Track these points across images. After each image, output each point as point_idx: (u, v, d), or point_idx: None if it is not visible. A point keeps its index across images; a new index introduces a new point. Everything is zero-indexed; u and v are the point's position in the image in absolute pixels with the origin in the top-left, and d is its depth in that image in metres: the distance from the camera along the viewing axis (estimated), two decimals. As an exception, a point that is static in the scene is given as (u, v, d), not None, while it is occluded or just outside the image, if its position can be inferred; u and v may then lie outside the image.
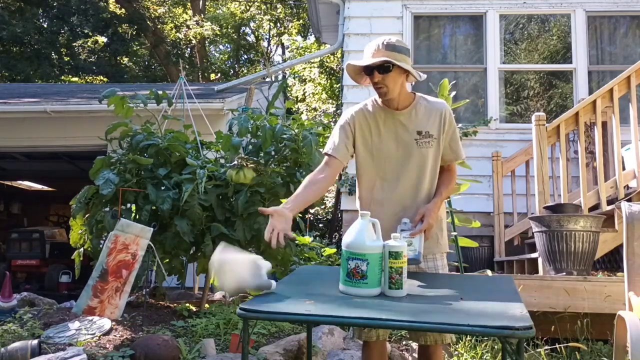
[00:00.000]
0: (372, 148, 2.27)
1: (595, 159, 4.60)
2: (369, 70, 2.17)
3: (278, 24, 18.42)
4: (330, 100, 13.01)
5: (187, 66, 17.13)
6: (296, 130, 4.03)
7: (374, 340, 2.28)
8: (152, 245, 3.58)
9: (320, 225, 11.07)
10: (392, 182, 2.25)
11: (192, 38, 17.13)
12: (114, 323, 3.62)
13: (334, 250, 5.12)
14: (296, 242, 4.71)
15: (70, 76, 17.21)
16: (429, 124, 2.24)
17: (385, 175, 2.26)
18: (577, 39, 6.16)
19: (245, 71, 19.38)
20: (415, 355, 3.51)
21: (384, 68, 2.12)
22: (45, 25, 17.17)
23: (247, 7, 18.28)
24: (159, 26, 18.06)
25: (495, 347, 3.43)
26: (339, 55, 10.89)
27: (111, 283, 3.36)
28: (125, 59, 18.56)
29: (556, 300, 3.56)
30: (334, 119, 11.74)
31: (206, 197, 3.83)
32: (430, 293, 1.92)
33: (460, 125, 5.75)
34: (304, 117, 11.86)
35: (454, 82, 4.20)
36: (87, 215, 4.10)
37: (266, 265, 1.85)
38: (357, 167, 2.34)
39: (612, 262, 4.68)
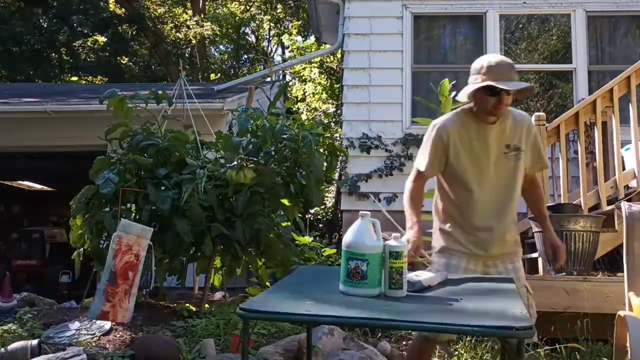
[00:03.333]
0: (464, 162, 2.31)
1: (595, 159, 4.59)
2: (499, 92, 2.19)
3: (278, 24, 18.41)
4: (330, 100, 13.00)
5: (187, 66, 17.12)
6: (296, 130, 4.03)
7: (439, 341, 2.43)
8: (152, 245, 3.58)
9: (320, 225, 11.07)
10: (482, 195, 2.31)
11: (192, 38, 17.12)
12: (114, 323, 3.61)
13: (334, 250, 5.12)
14: (296, 242, 4.71)
15: (70, 76, 17.21)
16: (516, 137, 2.31)
17: (475, 188, 2.31)
18: (577, 39, 6.15)
19: (246, 71, 19.38)
20: (415, 355, 3.51)
21: (518, 92, 2.24)
22: (45, 25, 17.16)
23: (247, 7, 18.26)
24: (159, 26, 18.05)
25: (496, 347, 3.43)
26: (339, 55, 10.88)
27: (121, 286, 3.35)
28: (125, 59, 18.54)
29: (556, 300, 3.55)
30: (334, 119, 11.74)
31: (206, 197, 3.83)
32: (430, 293, 1.92)
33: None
34: (304, 117, 11.85)
35: (454, 82, 4.19)
36: (87, 216, 4.09)
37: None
38: (444, 179, 2.41)
39: (612, 262, 4.67)
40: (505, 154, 2.29)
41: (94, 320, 3.61)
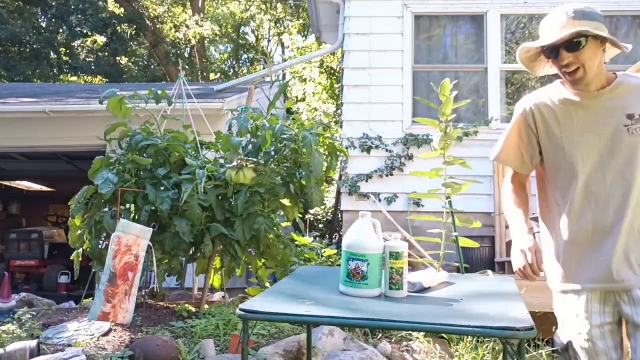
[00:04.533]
0: (564, 145, 1.80)
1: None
2: (553, 51, 1.75)
3: (278, 24, 18.40)
4: (331, 100, 12.99)
5: (186, 66, 17.13)
6: (296, 130, 4.02)
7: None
8: (151, 245, 3.57)
9: (320, 225, 11.06)
10: (594, 185, 1.76)
11: (191, 38, 17.12)
12: (112, 324, 3.60)
13: (334, 250, 5.11)
14: (296, 243, 4.69)
15: (69, 76, 17.19)
16: None
17: (585, 177, 1.77)
18: (577, 38, 6.14)
19: (245, 71, 19.38)
20: (416, 355, 3.50)
21: (574, 44, 1.70)
22: (44, 25, 17.15)
23: (247, 7, 18.26)
24: (158, 26, 18.04)
25: (497, 348, 3.42)
26: (339, 55, 10.87)
27: (121, 287, 3.34)
28: (124, 59, 18.54)
29: (557, 300, 3.53)
30: (334, 119, 11.74)
31: (205, 197, 3.82)
32: (430, 294, 1.91)
33: (460, 125, 5.74)
34: (304, 117, 11.84)
35: (455, 81, 4.18)
36: (86, 216, 4.08)
37: None
38: (543, 171, 1.93)
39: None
40: (626, 128, 1.73)
41: (92, 321, 3.59)
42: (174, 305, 4.31)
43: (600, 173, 1.75)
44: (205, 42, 18.50)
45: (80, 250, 4.15)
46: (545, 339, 3.52)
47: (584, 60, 1.71)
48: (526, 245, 1.76)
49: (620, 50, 1.77)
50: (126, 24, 17.31)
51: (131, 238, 3.42)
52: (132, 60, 19.11)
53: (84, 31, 16.84)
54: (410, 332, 3.61)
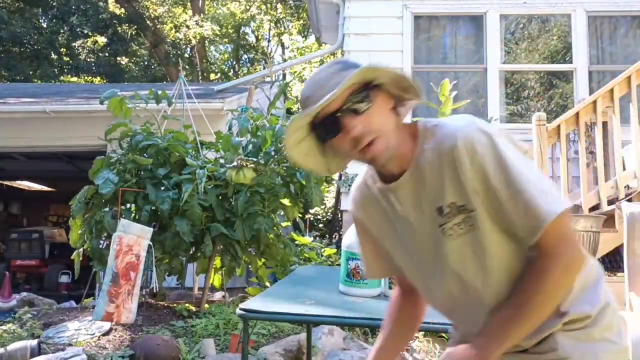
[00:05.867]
0: (395, 251, 1.29)
1: (595, 159, 4.59)
2: (324, 130, 1.12)
3: (278, 24, 18.41)
4: (330, 101, 12.99)
5: (186, 66, 17.13)
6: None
7: None
8: (152, 245, 3.58)
9: (320, 225, 11.07)
10: (440, 304, 1.30)
11: (191, 38, 17.12)
12: (113, 323, 3.61)
13: (334, 250, 5.11)
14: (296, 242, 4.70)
15: (69, 76, 17.20)
16: (448, 185, 1.10)
17: (426, 294, 1.31)
18: (577, 39, 6.15)
19: (246, 71, 19.38)
20: (415, 355, 3.51)
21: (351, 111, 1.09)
22: (44, 26, 17.17)
23: (247, 7, 18.27)
24: (158, 26, 18.05)
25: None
26: (339, 55, 10.88)
27: (123, 286, 3.35)
28: (125, 59, 18.55)
29: (556, 300, 3.54)
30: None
31: (206, 197, 3.83)
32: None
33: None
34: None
35: (454, 82, 4.19)
36: (86, 216, 4.09)
37: None
38: None
39: (612, 262, 4.67)
40: (441, 228, 1.13)
41: (93, 320, 3.60)
42: (175, 304, 4.32)
43: (436, 291, 1.26)
44: (206, 42, 18.51)
45: (81, 250, 4.16)
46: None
47: (372, 129, 1.10)
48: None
49: (417, 99, 1.17)
50: (127, 25, 17.32)
51: (132, 238, 3.43)
52: (133, 60, 19.11)
53: (85, 31, 16.86)
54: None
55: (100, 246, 4.01)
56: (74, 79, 17.17)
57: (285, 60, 17.82)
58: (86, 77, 17.55)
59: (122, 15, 17.30)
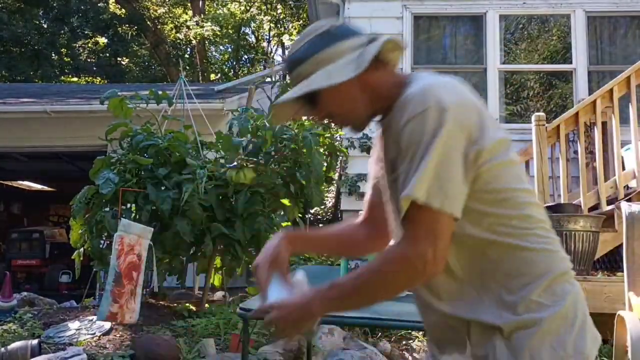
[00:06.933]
0: (385, 191, 1.30)
1: (594, 159, 4.60)
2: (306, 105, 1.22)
3: (278, 24, 18.42)
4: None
5: (187, 66, 17.13)
6: (296, 130, 4.03)
7: None
8: (152, 245, 3.58)
9: (320, 225, 11.07)
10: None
11: (192, 38, 17.13)
12: (114, 323, 3.62)
13: (334, 250, 5.10)
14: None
15: (70, 76, 17.22)
16: (395, 146, 1.14)
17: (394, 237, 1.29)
18: (577, 39, 6.15)
19: (246, 71, 19.38)
20: (415, 354, 3.52)
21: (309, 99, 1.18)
22: (45, 26, 17.18)
23: (247, 8, 18.27)
24: (159, 26, 18.07)
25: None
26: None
27: (127, 286, 3.36)
28: (125, 60, 18.56)
29: (556, 300, 3.55)
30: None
31: (206, 197, 3.83)
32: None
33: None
34: (304, 117, 11.84)
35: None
36: (87, 216, 4.10)
37: None
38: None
39: (612, 262, 4.68)
40: (394, 182, 1.17)
41: (94, 320, 3.61)
42: (175, 304, 4.32)
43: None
44: (206, 42, 18.51)
45: (82, 249, 4.17)
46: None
47: (331, 109, 1.21)
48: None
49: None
50: (127, 25, 17.34)
51: (133, 238, 3.43)
52: (133, 60, 19.12)
53: (85, 32, 16.88)
54: (410, 331, 3.62)
55: (101, 246, 4.01)
56: (75, 79, 17.18)
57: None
58: (87, 78, 17.57)
59: (123, 16, 17.31)
